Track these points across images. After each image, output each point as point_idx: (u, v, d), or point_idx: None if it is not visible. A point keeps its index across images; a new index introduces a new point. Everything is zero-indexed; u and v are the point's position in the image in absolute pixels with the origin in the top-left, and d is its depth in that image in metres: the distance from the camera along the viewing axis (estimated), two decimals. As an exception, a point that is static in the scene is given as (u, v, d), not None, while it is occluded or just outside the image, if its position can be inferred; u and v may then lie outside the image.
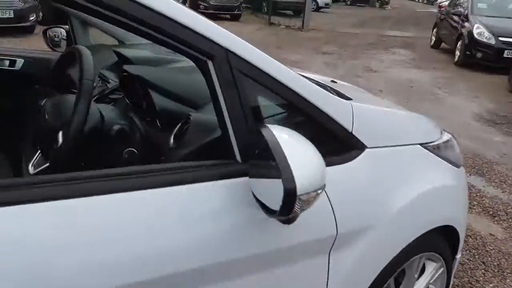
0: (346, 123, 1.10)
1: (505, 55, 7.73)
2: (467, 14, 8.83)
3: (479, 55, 8.03)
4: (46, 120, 1.12)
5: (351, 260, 1.12)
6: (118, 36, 2.26)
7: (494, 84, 6.97)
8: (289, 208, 0.73)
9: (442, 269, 1.53)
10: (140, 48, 1.81)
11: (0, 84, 1.83)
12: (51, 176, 0.80)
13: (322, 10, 20.12)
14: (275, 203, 0.76)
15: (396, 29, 14.55)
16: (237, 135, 0.92)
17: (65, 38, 2.30)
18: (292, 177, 0.71)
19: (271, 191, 0.77)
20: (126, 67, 1.29)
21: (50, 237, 0.69)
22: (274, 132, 0.79)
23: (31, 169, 1.17)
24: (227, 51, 0.89)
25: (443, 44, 10.52)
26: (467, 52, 8.25)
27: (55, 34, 2.36)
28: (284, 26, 12.87)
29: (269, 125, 0.84)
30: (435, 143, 1.45)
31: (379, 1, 30.70)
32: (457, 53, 8.69)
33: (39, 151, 1.19)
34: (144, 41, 2.30)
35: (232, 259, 0.87)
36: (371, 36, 12.33)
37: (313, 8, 18.62)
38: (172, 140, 1.10)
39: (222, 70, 0.89)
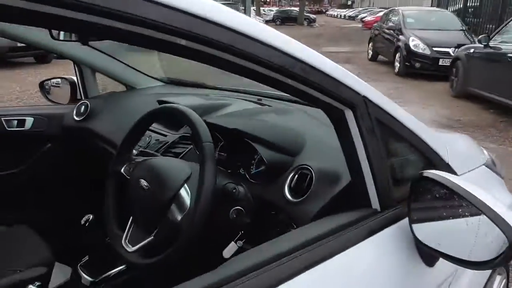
0: (445, 156, 1.14)
1: (440, 63, 8.44)
2: (400, 28, 9.57)
3: (417, 65, 8.70)
4: (149, 191, 1.02)
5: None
6: (128, 81, 2.17)
7: (439, 91, 7.56)
8: (509, 257, 0.73)
9: (504, 280, 1.61)
10: (176, 95, 1.74)
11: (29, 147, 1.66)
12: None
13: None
14: (465, 249, 0.77)
15: (332, 45, 15.32)
16: (377, 183, 0.92)
17: (68, 88, 2.16)
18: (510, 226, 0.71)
19: (460, 235, 0.77)
20: (216, 119, 1.22)
21: None
22: (449, 178, 0.80)
23: (126, 245, 1.06)
24: (365, 98, 0.89)
25: (380, 57, 11.26)
26: (406, 63, 8.90)
27: (54, 85, 2.20)
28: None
29: (430, 171, 0.85)
30: (488, 159, 1.54)
31: (306, 20, 32.33)
32: (397, 64, 9.34)
33: (131, 224, 1.09)
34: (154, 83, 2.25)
35: None
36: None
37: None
38: (287, 194, 1.06)
39: (363, 119, 0.89)
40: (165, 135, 1.48)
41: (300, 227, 0.89)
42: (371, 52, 11.75)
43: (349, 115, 0.90)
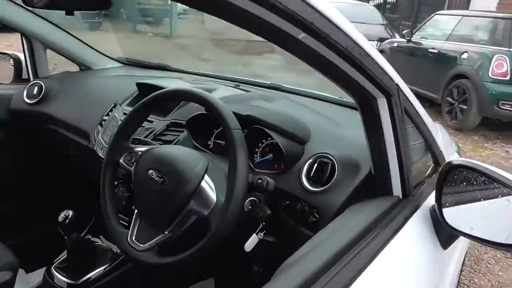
0: (440, 145, 1.20)
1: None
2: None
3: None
4: (163, 184, 0.92)
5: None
6: (84, 61, 1.95)
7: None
8: None
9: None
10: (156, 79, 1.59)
11: None
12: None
13: (180, 16, 19.93)
14: (494, 237, 0.81)
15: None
16: (403, 172, 0.94)
17: (11, 65, 1.88)
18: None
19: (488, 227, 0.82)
20: (232, 105, 1.11)
21: None
22: (482, 164, 0.84)
23: (133, 243, 0.95)
24: (398, 87, 0.90)
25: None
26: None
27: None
28: (151, 34, 12.48)
29: (460, 159, 0.89)
30: (457, 147, 1.66)
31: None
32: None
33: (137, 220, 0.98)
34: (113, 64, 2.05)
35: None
36: (240, 42, 12.84)
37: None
38: (306, 183, 1.03)
39: (396, 107, 0.89)
40: (151, 121, 1.35)
41: (334, 220, 0.87)
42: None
43: (382, 102, 0.89)
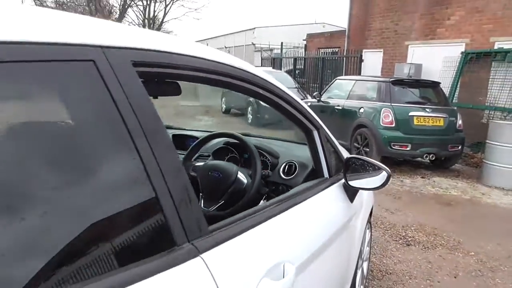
0: (340, 149, 2.25)
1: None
2: (249, 86, 11.48)
3: (266, 116, 10.57)
4: (218, 178, 1.81)
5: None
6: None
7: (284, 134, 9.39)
8: (386, 184, 1.81)
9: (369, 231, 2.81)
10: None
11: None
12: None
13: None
14: (370, 186, 1.84)
15: (188, 100, 16.62)
16: (328, 166, 1.94)
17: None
18: (388, 171, 1.80)
19: (368, 182, 1.84)
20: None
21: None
22: (362, 157, 1.88)
23: (203, 208, 1.80)
24: (320, 125, 1.92)
25: (232, 110, 12.98)
26: (258, 115, 10.69)
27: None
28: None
29: (352, 155, 1.92)
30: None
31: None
32: (249, 116, 11.09)
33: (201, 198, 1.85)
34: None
35: (341, 224, 1.87)
36: (171, 107, 13.83)
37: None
38: (283, 175, 1.99)
39: (322, 136, 1.91)
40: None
41: (293, 189, 1.84)
42: (224, 106, 13.41)
43: (315, 133, 1.90)
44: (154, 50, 0.91)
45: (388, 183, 1.85)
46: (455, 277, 3.17)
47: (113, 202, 0.76)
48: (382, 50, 11.27)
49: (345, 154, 2.18)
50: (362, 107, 6.94)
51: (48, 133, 0.72)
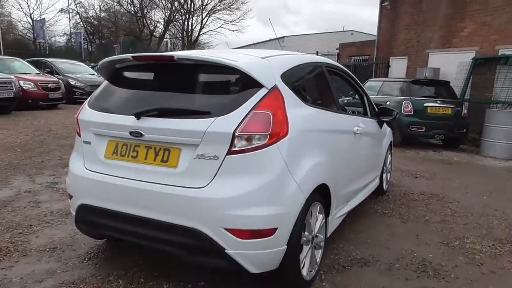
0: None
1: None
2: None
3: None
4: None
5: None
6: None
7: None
8: (396, 116, 4.04)
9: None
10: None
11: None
12: None
13: None
14: (387, 118, 4.09)
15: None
16: (371, 112, 4.17)
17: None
18: (396, 111, 4.04)
19: (386, 117, 4.09)
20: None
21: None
22: (382, 108, 4.12)
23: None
24: (367, 94, 4.18)
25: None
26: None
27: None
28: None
29: (380, 106, 4.17)
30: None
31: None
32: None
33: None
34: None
35: (378, 134, 4.12)
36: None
37: None
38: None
39: (369, 100, 4.16)
40: None
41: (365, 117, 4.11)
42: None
43: (365, 97, 4.17)
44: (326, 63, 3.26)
45: (397, 116, 4.10)
46: (446, 190, 5.30)
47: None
48: (406, 57, 13.31)
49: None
50: (388, 101, 9.08)
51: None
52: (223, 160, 2.12)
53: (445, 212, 4.24)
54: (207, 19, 37.29)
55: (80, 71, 14.52)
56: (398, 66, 13.52)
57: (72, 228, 3.41)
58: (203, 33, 38.22)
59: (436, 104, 8.56)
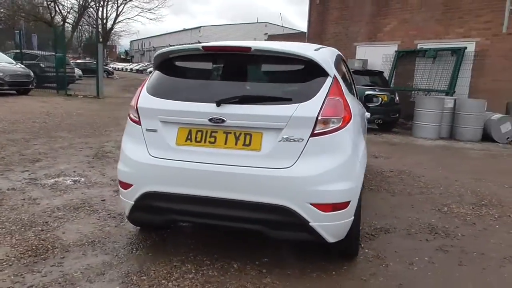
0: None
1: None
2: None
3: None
4: None
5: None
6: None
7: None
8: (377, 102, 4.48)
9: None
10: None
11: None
12: None
13: (77, 82, 21.50)
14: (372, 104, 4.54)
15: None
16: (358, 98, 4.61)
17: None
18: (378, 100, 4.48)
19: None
20: None
21: None
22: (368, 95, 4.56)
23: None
24: (355, 83, 4.60)
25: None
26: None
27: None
28: (82, 96, 14.57)
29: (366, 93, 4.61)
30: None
31: (105, 72, 34.54)
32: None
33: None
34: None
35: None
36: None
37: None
38: None
39: (356, 88, 4.58)
40: None
41: None
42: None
43: (353, 86, 4.58)
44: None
45: (381, 103, 4.58)
46: (409, 167, 6.01)
47: None
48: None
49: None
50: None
51: None
52: (307, 141, 2.32)
53: (419, 185, 4.88)
54: (123, 7, 35.43)
55: (-6, 60, 12.94)
56: (328, 57, 14.46)
57: (94, 221, 3.29)
58: (119, 21, 36.21)
59: (375, 92, 9.46)
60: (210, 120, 2.36)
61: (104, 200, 3.85)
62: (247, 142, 2.37)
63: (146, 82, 2.71)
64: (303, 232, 2.37)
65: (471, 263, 2.84)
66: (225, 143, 2.39)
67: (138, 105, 2.58)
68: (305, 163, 2.32)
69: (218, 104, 2.36)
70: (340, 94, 2.48)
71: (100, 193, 4.05)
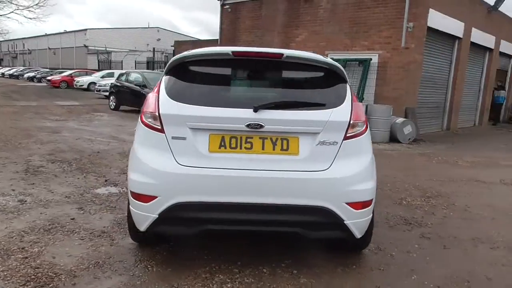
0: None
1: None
2: (144, 84, 13.25)
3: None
4: None
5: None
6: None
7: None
8: None
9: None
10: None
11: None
12: None
13: None
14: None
15: (59, 100, 16.97)
16: None
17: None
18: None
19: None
20: None
21: None
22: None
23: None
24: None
25: (122, 106, 14.30)
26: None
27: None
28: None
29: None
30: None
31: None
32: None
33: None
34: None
35: None
36: (51, 107, 14.29)
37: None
38: None
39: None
40: None
41: None
42: (114, 104, 14.53)
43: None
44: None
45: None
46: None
47: None
48: (249, 57, 14.74)
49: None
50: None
51: None
52: (341, 144, 2.45)
53: (395, 181, 5.38)
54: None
55: None
56: (242, 65, 14.81)
57: (79, 242, 2.95)
58: (-10, 18, 31.81)
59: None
60: (248, 126, 2.34)
61: (73, 219, 3.45)
62: (284, 147, 2.41)
63: (162, 87, 2.56)
64: (337, 230, 2.49)
65: (453, 246, 3.26)
66: (262, 149, 2.39)
67: (160, 112, 2.42)
68: (339, 165, 2.45)
69: (256, 110, 2.36)
70: (356, 99, 2.67)
71: (62, 211, 3.62)
